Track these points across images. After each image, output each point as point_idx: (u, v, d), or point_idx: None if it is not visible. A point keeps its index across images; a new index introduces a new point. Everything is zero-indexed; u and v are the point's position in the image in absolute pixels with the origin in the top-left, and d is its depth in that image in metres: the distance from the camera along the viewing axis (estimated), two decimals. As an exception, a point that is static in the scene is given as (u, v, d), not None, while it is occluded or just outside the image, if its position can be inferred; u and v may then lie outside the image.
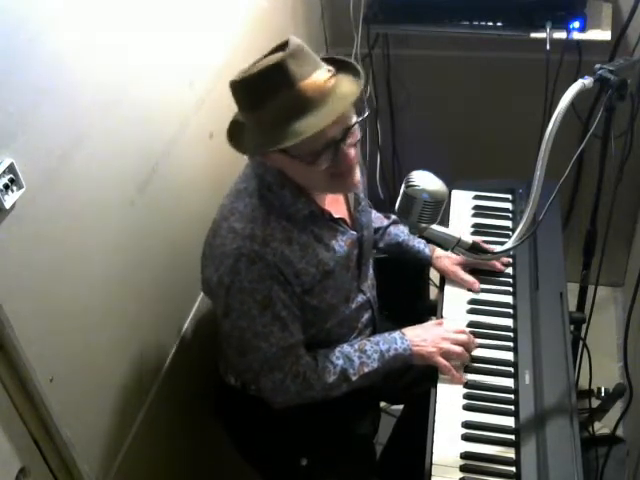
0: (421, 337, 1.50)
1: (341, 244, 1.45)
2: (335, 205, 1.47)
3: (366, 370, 1.46)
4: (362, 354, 1.47)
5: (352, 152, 1.31)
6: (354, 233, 1.49)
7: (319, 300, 1.43)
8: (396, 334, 1.51)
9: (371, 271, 1.63)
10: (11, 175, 1.00)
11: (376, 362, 1.47)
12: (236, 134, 1.34)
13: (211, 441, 1.77)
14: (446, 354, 1.48)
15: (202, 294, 1.68)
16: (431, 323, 1.57)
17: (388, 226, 1.78)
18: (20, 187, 1.02)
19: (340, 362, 1.45)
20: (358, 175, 1.36)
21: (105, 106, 1.24)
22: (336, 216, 1.45)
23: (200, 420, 1.72)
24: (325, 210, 1.43)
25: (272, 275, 1.33)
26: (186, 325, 1.63)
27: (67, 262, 1.17)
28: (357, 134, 1.32)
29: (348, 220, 1.50)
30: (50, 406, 1.14)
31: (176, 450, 1.64)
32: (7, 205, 1.00)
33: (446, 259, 1.72)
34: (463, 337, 1.51)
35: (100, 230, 1.26)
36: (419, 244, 1.77)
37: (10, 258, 1.03)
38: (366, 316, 1.59)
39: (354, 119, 1.30)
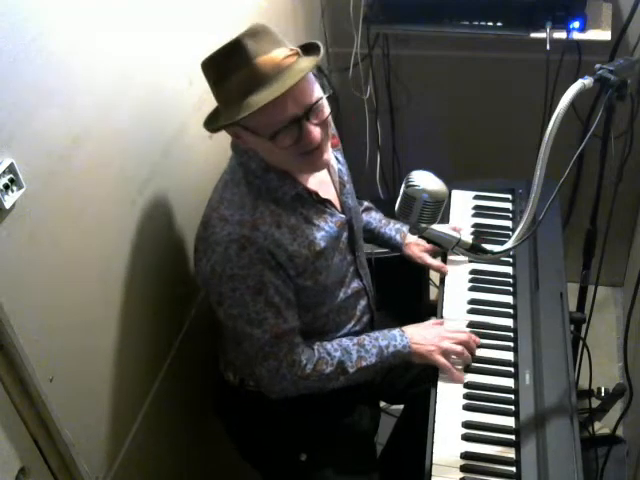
0: (421, 335, 1.51)
1: (331, 225, 1.46)
2: (323, 188, 1.49)
3: (364, 364, 1.46)
4: (361, 348, 1.48)
5: (317, 131, 1.31)
6: (343, 216, 1.51)
7: (313, 281, 1.43)
8: (396, 331, 1.52)
9: (364, 259, 1.65)
10: (11, 175, 1.00)
11: (374, 357, 1.47)
12: (213, 118, 1.38)
13: (212, 440, 1.77)
14: (445, 353, 1.48)
15: (202, 292, 1.68)
16: (431, 322, 1.57)
17: (360, 213, 1.79)
18: (20, 187, 1.02)
19: (338, 354, 1.46)
20: (327, 155, 1.37)
21: (105, 106, 1.24)
22: (324, 197, 1.46)
23: (200, 419, 1.73)
24: (312, 190, 1.44)
25: (263, 260, 1.34)
26: (186, 324, 1.63)
27: (67, 262, 1.17)
28: (323, 113, 1.32)
29: (336, 203, 1.51)
30: (50, 406, 1.14)
31: (176, 449, 1.64)
32: (7, 205, 1.00)
33: (415, 246, 1.77)
34: (463, 336, 1.51)
35: (100, 230, 1.26)
36: (390, 231, 1.80)
37: (10, 258, 1.03)
38: (363, 304, 1.60)
39: (318, 97, 1.31)
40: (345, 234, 1.51)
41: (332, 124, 1.42)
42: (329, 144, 1.38)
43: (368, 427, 1.66)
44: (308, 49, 1.34)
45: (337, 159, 1.59)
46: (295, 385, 1.44)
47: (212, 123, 1.36)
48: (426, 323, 1.57)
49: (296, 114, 1.27)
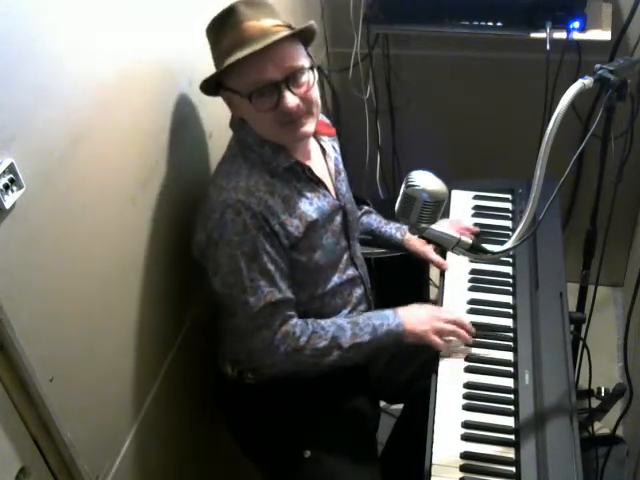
0: (414, 315, 1.51)
1: (324, 203, 1.50)
2: (318, 170, 1.53)
3: (358, 340, 1.47)
4: (354, 325, 1.49)
5: (294, 100, 1.36)
6: (337, 202, 1.54)
7: (307, 258, 1.46)
8: (388, 311, 1.52)
9: (359, 250, 1.67)
10: (11, 175, 1.00)
11: (368, 335, 1.48)
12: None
13: (213, 440, 1.77)
14: (440, 332, 1.49)
15: (202, 292, 1.68)
16: (425, 305, 1.58)
17: (360, 216, 1.83)
18: (20, 187, 1.02)
19: (332, 329, 1.47)
20: (307, 128, 1.41)
21: (105, 106, 1.24)
22: (318, 175, 1.51)
23: (201, 420, 1.73)
24: (305, 165, 1.48)
25: (258, 226, 1.38)
26: (187, 324, 1.63)
27: (67, 262, 1.17)
28: (305, 85, 1.37)
29: (331, 189, 1.55)
30: (50, 406, 1.14)
31: (177, 449, 1.64)
32: (7, 205, 1.00)
33: (417, 241, 1.79)
34: (457, 317, 1.52)
35: (100, 230, 1.26)
36: (391, 229, 1.83)
37: (10, 258, 1.03)
38: (359, 292, 1.62)
39: (301, 66, 1.36)
40: (339, 218, 1.54)
41: (319, 100, 1.44)
42: (312, 119, 1.42)
43: (369, 424, 1.67)
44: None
45: (334, 148, 1.63)
46: (289, 358, 1.44)
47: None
48: (420, 305, 1.57)
49: (274, 78, 1.34)
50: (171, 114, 1.50)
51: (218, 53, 1.39)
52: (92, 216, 1.23)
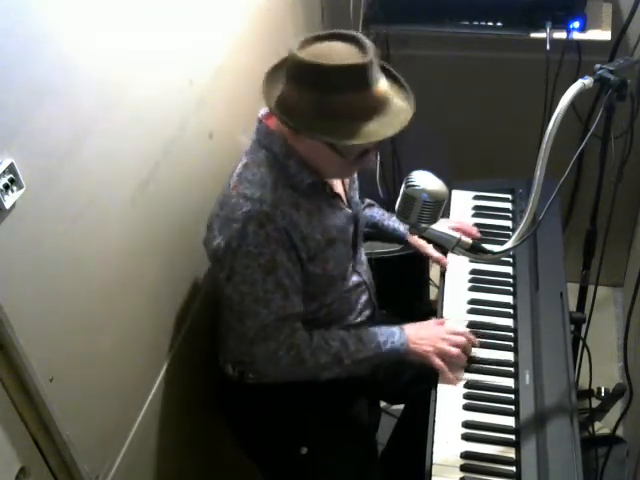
0: (420, 335, 1.52)
1: (341, 217, 1.51)
2: (334, 183, 1.53)
3: (360, 357, 1.47)
4: (359, 341, 1.49)
5: (373, 157, 1.46)
6: (350, 211, 1.54)
7: (322, 269, 1.46)
8: (396, 328, 1.53)
9: (364, 256, 1.67)
10: (11, 175, 1.00)
11: (371, 351, 1.48)
12: (268, 89, 1.37)
13: (213, 439, 1.77)
14: (442, 354, 1.48)
15: (202, 292, 1.68)
16: (432, 322, 1.58)
17: (362, 209, 1.82)
18: (20, 187, 1.02)
19: (336, 344, 1.47)
20: None
21: (105, 105, 1.24)
22: (335, 191, 1.51)
23: (201, 419, 1.73)
24: (327, 182, 1.48)
25: (279, 239, 1.37)
26: (187, 323, 1.63)
27: (67, 262, 1.17)
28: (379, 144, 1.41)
29: (344, 198, 1.55)
30: (50, 406, 1.13)
31: (177, 448, 1.64)
32: (7, 205, 1.00)
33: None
34: (461, 339, 1.51)
35: (100, 230, 1.26)
36: (394, 223, 1.83)
37: (10, 258, 1.03)
38: (364, 297, 1.62)
39: None
40: (351, 228, 1.55)
41: None
42: None
43: (369, 423, 1.67)
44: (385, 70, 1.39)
45: None
46: (289, 369, 1.45)
47: (291, 120, 1.33)
48: (427, 322, 1.57)
49: (373, 147, 1.37)
50: (171, 114, 1.50)
51: (330, 105, 1.28)
52: (92, 216, 1.23)
